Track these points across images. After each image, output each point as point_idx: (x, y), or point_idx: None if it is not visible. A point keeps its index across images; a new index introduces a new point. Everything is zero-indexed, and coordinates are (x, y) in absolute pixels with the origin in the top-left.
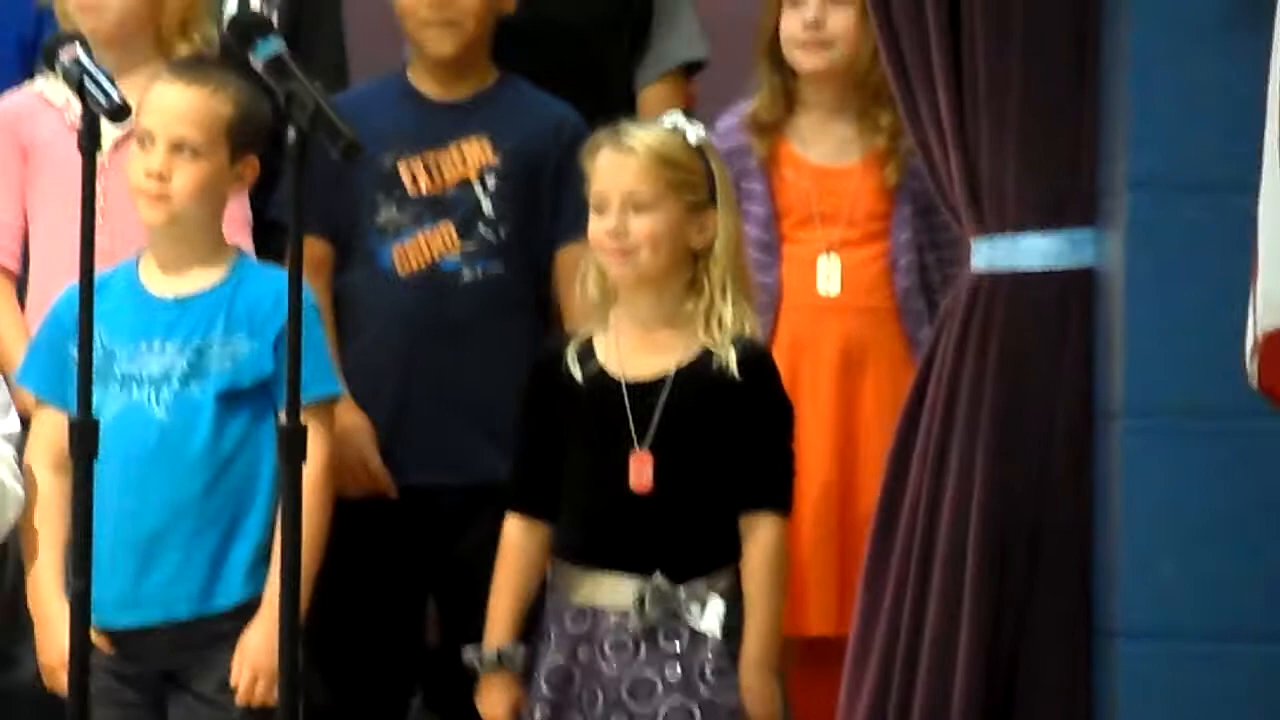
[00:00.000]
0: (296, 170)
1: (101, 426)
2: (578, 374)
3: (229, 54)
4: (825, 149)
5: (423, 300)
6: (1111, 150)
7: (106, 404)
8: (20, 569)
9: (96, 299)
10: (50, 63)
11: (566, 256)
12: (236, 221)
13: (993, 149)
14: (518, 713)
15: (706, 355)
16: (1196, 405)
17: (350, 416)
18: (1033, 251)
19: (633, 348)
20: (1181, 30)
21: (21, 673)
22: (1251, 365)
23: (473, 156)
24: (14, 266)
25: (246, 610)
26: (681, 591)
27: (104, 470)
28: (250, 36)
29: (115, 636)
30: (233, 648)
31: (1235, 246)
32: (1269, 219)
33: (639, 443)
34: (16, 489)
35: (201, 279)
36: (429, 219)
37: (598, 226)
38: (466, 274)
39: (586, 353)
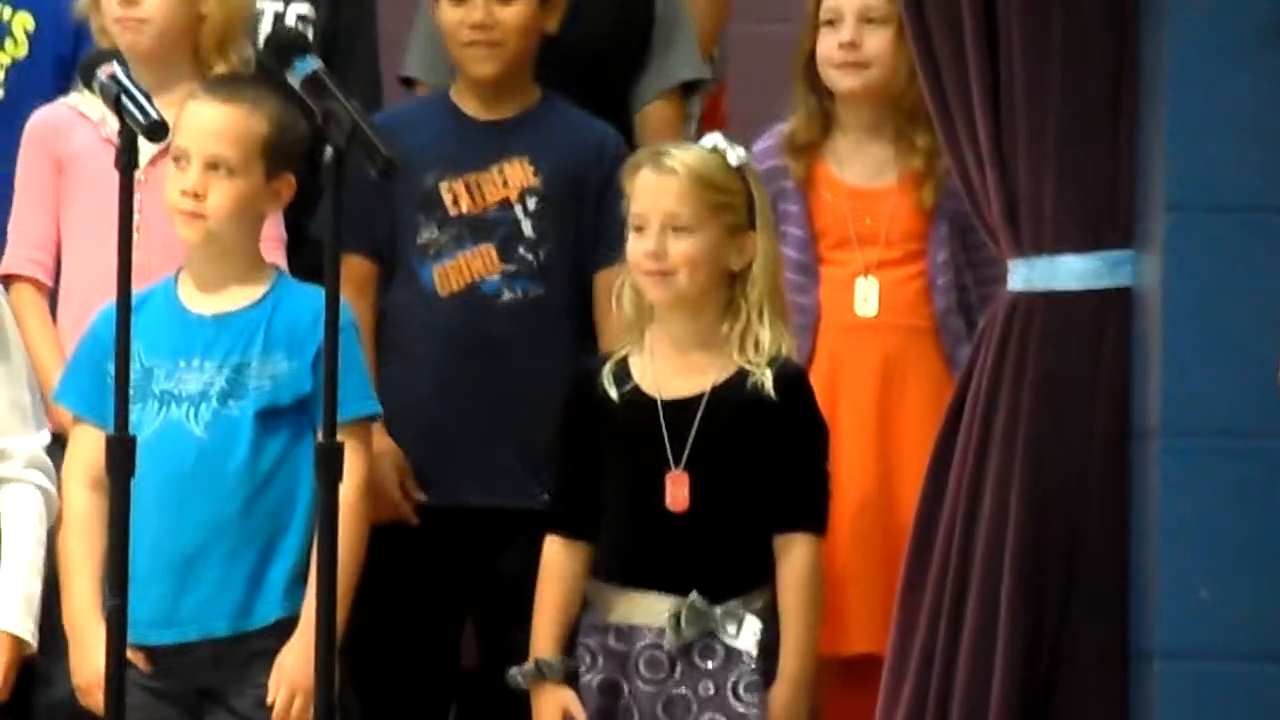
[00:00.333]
0: (334, 188)
1: (139, 444)
2: (613, 393)
3: (266, 72)
4: (862, 170)
5: (462, 320)
6: (1149, 171)
7: (144, 422)
8: (55, 587)
9: (135, 316)
10: (87, 80)
11: (606, 279)
12: (271, 240)
13: (1030, 170)
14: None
15: (742, 375)
16: (1233, 425)
17: (380, 440)
18: (1070, 273)
19: (668, 368)
20: (1219, 50)
21: (57, 691)
22: None
23: (514, 178)
24: (47, 280)
25: (284, 628)
26: (718, 610)
27: (142, 488)
28: (288, 55)
29: (152, 654)
30: (270, 666)
31: (1274, 267)
32: None
33: (675, 462)
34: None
35: (240, 297)
36: (469, 240)
37: (636, 247)
38: (506, 294)
39: (622, 372)
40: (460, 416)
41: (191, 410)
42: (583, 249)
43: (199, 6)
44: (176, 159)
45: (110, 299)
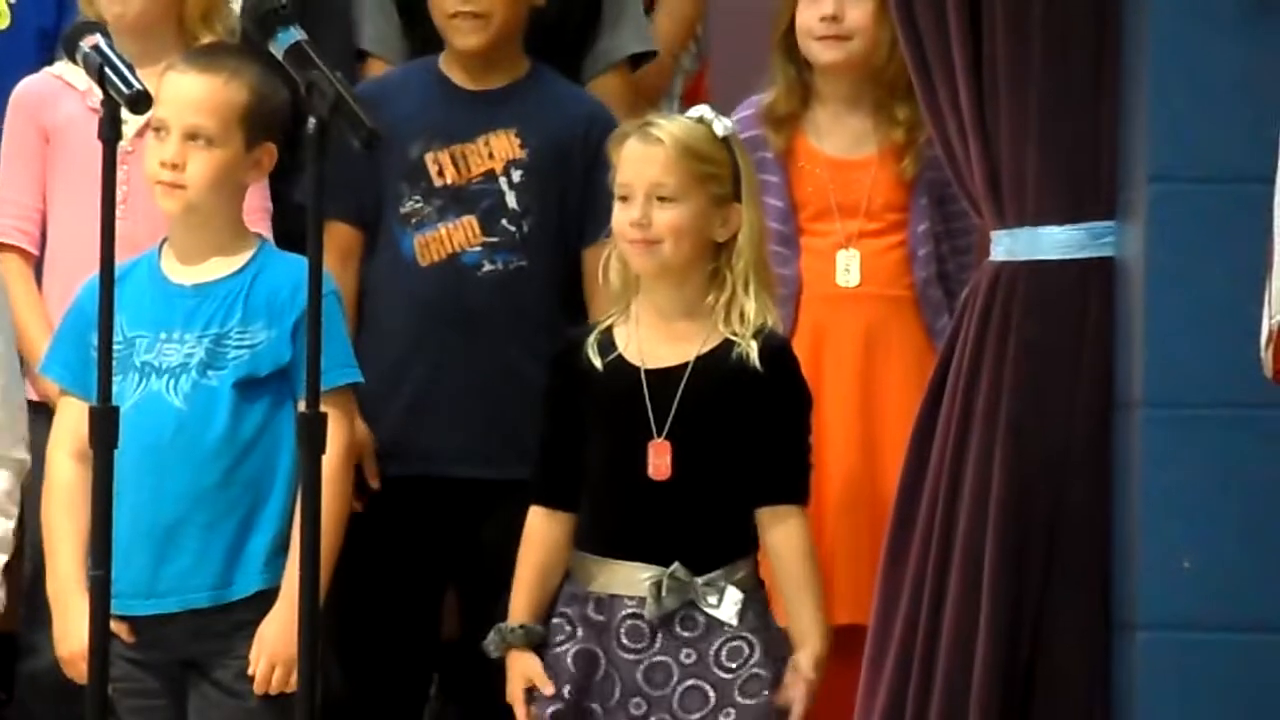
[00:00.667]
0: (316, 158)
1: (121, 416)
2: (597, 362)
3: (251, 43)
4: (841, 142)
5: (442, 291)
6: (1131, 142)
7: (125, 394)
8: (39, 556)
9: (118, 288)
10: (70, 51)
11: (595, 254)
12: (256, 211)
13: (1013, 141)
14: (535, 685)
15: (727, 345)
16: (1216, 395)
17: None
18: (1053, 243)
19: (653, 337)
20: (1201, 21)
21: (41, 662)
22: (1266, 355)
23: (499, 149)
24: (34, 249)
25: (265, 599)
26: (699, 581)
27: (123, 460)
28: (270, 25)
29: (134, 625)
30: (251, 637)
31: (1255, 238)
32: None
33: (657, 431)
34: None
35: (221, 267)
36: (452, 212)
37: (621, 217)
38: (486, 266)
39: (607, 342)
40: (439, 387)
41: (171, 382)
42: (567, 221)
43: None
44: (156, 130)
45: (95, 269)
